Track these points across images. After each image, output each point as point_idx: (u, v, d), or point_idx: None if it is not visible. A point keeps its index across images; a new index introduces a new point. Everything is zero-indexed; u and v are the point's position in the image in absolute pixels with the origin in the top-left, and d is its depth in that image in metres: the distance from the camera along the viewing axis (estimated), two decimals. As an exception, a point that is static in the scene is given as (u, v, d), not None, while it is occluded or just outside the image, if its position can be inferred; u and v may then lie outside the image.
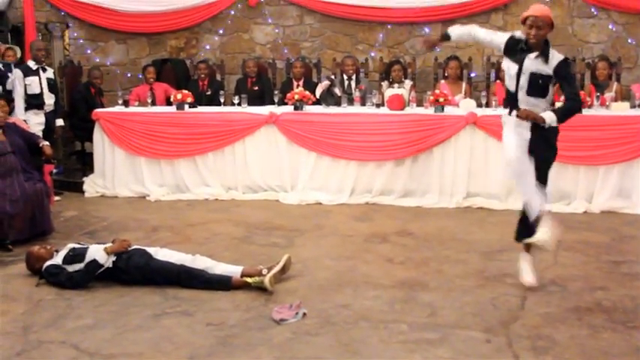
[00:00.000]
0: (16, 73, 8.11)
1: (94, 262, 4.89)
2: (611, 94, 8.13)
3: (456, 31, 5.31)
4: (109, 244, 5.05)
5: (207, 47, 10.16)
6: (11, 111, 7.60)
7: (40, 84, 8.17)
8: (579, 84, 8.82)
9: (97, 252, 4.94)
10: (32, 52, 8.40)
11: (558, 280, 5.05)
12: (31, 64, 8.24)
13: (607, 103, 7.83)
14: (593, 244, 6.01)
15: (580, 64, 8.99)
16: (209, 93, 9.11)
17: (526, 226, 4.81)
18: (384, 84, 8.81)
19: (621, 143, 7.20)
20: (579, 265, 5.44)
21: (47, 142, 6.56)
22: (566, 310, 4.47)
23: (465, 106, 7.94)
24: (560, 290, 4.85)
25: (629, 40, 9.17)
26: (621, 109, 7.59)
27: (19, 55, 8.61)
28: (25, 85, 8.08)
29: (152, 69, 9.44)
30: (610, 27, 9.23)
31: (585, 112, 7.35)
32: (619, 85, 8.52)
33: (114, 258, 4.97)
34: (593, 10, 9.24)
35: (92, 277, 4.93)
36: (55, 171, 8.12)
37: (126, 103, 8.53)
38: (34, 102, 8.14)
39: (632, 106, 7.69)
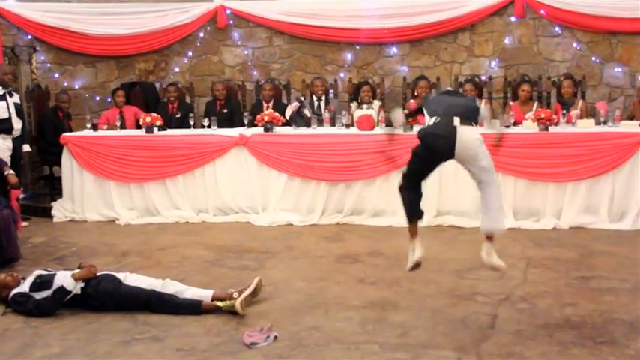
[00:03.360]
0: None
1: (61, 288, 4.83)
2: (576, 111, 8.24)
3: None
4: (77, 270, 4.98)
5: (177, 70, 10.13)
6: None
7: (8, 109, 8.05)
8: (546, 102, 8.96)
9: (64, 278, 4.87)
10: None
11: (528, 297, 5.08)
12: None
13: (573, 121, 7.94)
14: (562, 260, 6.06)
15: (546, 82, 9.12)
16: (179, 116, 9.10)
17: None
18: (353, 105, 8.85)
19: (588, 160, 7.29)
20: (549, 281, 5.48)
21: (12, 172, 6.47)
22: (536, 327, 4.50)
23: (434, 125, 7.99)
24: (530, 307, 4.88)
25: (593, 59, 9.32)
26: (587, 126, 7.69)
27: None
28: None
29: (121, 92, 9.39)
30: (574, 46, 9.37)
31: (552, 129, 7.50)
32: (584, 102, 8.65)
33: (82, 284, 4.91)
34: (557, 29, 9.39)
35: (60, 304, 4.86)
36: (22, 196, 8.02)
37: (94, 127, 8.46)
38: (2, 127, 8.01)
39: (598, 123, 7.80)
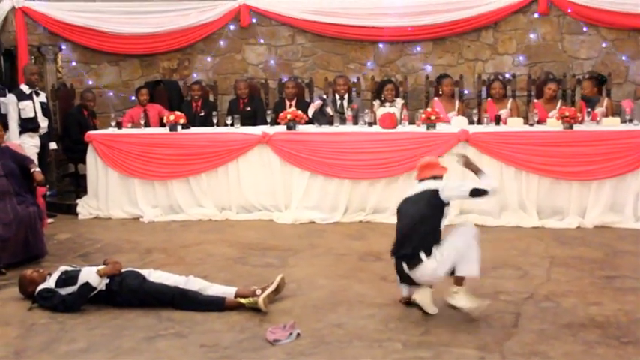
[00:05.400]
0: (10, 98, 8.11)
1: (86, 284, 4.88)
2: (601, 109, 8.17)
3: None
4: (102, 266, 5.04)
5: (200, 68, 10.18)
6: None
7: (34, 108, 8.18)
8: (570, 100, 8.88)
9: (89, 274, 4.93)
10: (26, 76, 8.40)
11: (552, 296, 5.06)
12: (25, 88, 8.24)
13: (598, 119, 7.87)
14: (586, 260, 6.02)
15: (570, 80, 9.04)
16: (202, 114, 9.13)
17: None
18: (376, 103, 8.84)
19: (613, 158, 7.23)
20: (573, 280, 5.45)
21: (38, 169, 6.54)
22: (560, 326, 4.48)
23: (457, 123, 7.98)
24: (554, 306, 4.85)
25: (619, 56, 9.23)
26: (612, 124, 7.62)
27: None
28: (20, 109, 8.08)
29: (145, 90, 9.45)
30: (600, 43, 9.29)
31: (576, 127, 7.44)
32: (609, 100, 8.56)
33: (107, 280, 4.96)
34: (582, 26, 9.30)
35: (85, 300, 4.92)
36: (48, 194, 8.10)
37: (119, 125, 8.53)
38: (29, 126, 8.14)
39: (623, 121, 7.72)
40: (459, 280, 4.69)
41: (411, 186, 7.39)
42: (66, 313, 4.86)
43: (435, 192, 4.71)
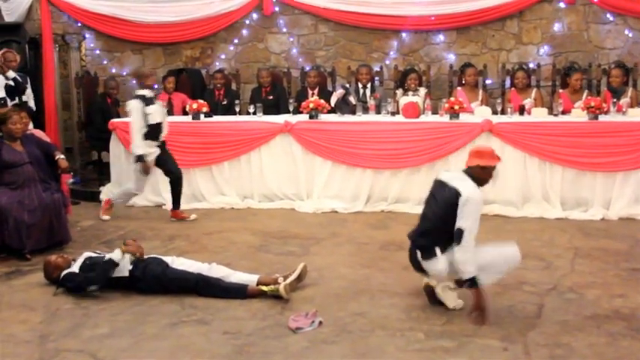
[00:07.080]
0: (134, 104, 7.34)
1: (109, 260, 4.93)
2: (626, 100, 8.07)
3: None
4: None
5: (223, 57, 10.19)
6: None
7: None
8: (596, 90, 8.78)
9: (112, 254, 4.98)
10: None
11: (576, 287, 5.02)
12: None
13: (623, 110, 7.78)
14: (611, 251, 5.96)
15: (596, 70, 8.94)
16: (225, 103, 9.14)
17: None
18: (399, 92, 8.81)
19: (638, 149, 7.14)
20: (597, 272, 5.40)
21: (62, 156, 6.59)
22: (584, 317, 4.45)
23: (480, 113, 7.93)
24: (578, 298, 4.82)
25: (646, 46, 9.11)
26: (638, 115, 7.53)
27: (18, 59, 8.36)
28: (147, 114, 7.27)
29: (172, 78, 9.48)
30: (626, 32, 9.16)
31: (602, 118, 7.35)
32: (635, 90, 8.45)
33: (130, 266, 4.99)
34: (608, 15, 9.17)
35: (108, 275, 4.94)
36: (71, 181, 8.13)
37: (142, 113, 8.54)
38: (153, 133, 7.40)
39: (649, 112, 7.63)
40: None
41: (432, 177, 7.48)
42: (89, 289, 4.91)
43: (457, 195, 4.46)
